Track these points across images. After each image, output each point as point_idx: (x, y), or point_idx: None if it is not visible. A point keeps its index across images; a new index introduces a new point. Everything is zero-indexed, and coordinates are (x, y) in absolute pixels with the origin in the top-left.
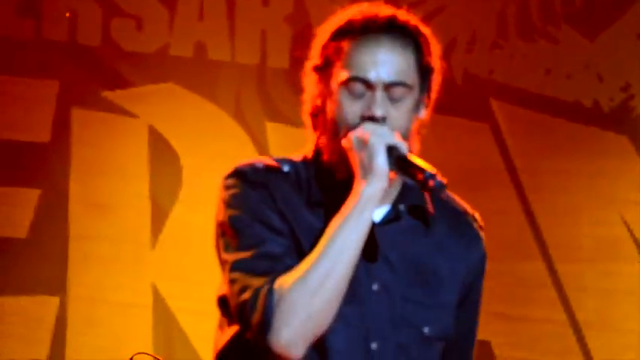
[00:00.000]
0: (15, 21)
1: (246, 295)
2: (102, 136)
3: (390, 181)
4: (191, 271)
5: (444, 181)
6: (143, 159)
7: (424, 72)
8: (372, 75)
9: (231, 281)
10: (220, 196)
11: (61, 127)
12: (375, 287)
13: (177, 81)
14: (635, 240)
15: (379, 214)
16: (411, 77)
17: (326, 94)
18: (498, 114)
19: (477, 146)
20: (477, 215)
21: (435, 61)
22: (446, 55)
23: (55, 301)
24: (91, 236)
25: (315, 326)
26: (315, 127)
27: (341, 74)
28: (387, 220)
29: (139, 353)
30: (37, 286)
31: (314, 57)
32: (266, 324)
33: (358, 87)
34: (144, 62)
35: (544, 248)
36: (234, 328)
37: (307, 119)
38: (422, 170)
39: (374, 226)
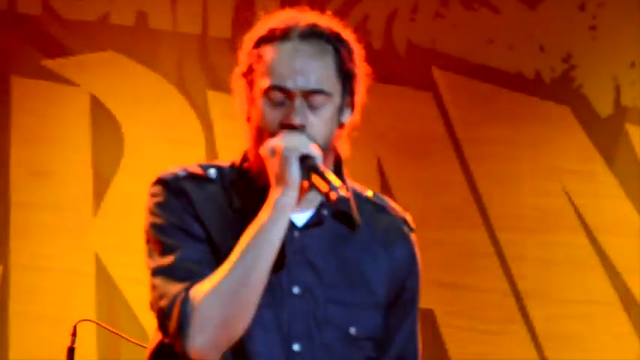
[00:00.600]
0: None
1: (164, 303)
2: (43, 105)
3: (303, 189)
4: (133, 240)
5: (347, 195)
6: (85, 127)
7: (345, 78)
8: (290, 84)
9: (152, 287)
10: (146, 204)
11: (1, 95)
12: (296, 291)
13: (118, 49)
14: (575, 209)
15: (302, 218)
16: (331, 84)
17: (251, 100)
18: (440, 83)
19: (420, 114)
20: (407, 217)
21: (359, 66)
22: (388, 25)
23: None
24: (33, 204)
25: (230, 333)
26: (247, 133)
27: (262, 82)
28: (310, 224)
29: (82, 320)
30: None
31: (241, 64)
32: (181, 332)
33: (278, 95)
34: (84, 30)
35: (486, 217)
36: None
37: (244, 124)
38: (327, 182)
39: (296, 231)
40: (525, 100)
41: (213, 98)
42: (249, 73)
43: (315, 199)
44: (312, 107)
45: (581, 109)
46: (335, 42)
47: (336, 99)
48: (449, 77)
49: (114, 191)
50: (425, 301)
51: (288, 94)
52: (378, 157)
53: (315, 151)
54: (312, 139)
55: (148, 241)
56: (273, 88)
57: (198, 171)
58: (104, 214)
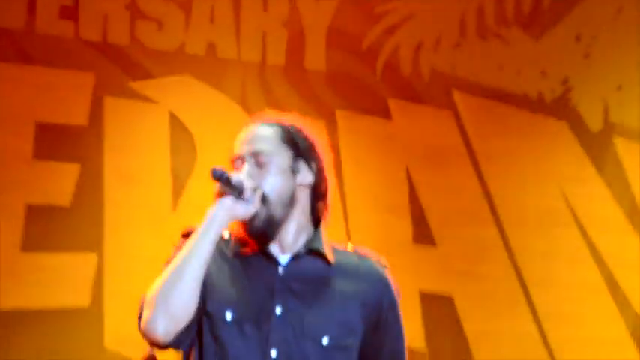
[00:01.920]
0: (58, 23)
1: (142, 297)
2: (130, 120)
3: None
4: None
5: (241, 179)
6: (164, 138)
7: (292, 145)
8: (240, 150)
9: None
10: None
11: (96, 113)
12: (278, 311)
13: (191, 74)
14: (571, 209)
15: (286, 258)
16: (272, 147)
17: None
18: (459, 103)
19: (442, 130)
20: (382, 260)
21: (312, 141)
22: (415, 55)
23: (93, 256)
24: (123, 202)
25: (173, 317)
26: None
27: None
28: (291, 261)
29: None
30: (79, 245)
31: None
32: (140, 318)
33: (238, 162)
34: (164, 58)
35: (496, 215)
36: None
37: None
38: (228, 181)
39: (280, 267)
40: (530, 116)
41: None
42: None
43: (298, 243)
44: (259, 164)
45: (576, 125)
46: (279, 124)
47: (281, 158)
48: (466, 98)
49: (189, 191)
50: (445, 287)
51: (242, 158)
52: (407, 165)
53: (232, 174)
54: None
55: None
56: (234, 158)
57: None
58: (181, 210)
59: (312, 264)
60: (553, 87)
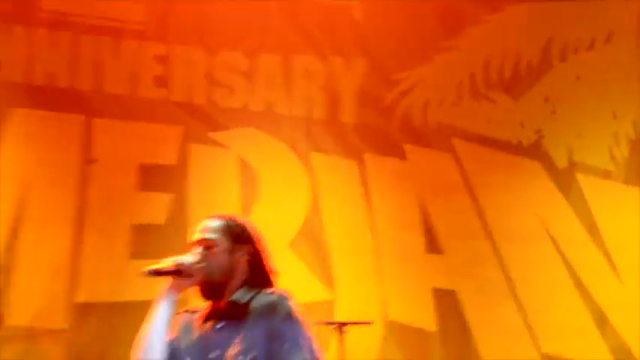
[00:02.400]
0: (154, 89)
1: None
2: (208, 161)
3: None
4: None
5: (172, 269)
6: (235, 176)
7: (233, 236)
8: (195, 238)
9: None
10: None
11: (184, 155)
12: (212, 355)
13: (255, 126)
14: (545, 227)
15: (213, 323)
16: (215, 236)
17: None
18: (458, 147)
19: (445, 167)
20: (284, 292)
21: (242, 226)
22: (424, 111)
23: None
24: None
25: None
26: None
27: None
28: (217, 324)
29: None
30: (171, 254)
31: None
32: None
33: (194, 246)
34: (233, 114)
35: (488, 232)
36: None
37: None
38: (162, 271)
39: (209, 323)
40: (511, 158)
41: (315, 157)
42: None
43: (220, 313)
44: (207, 248)
45: (547, 164)
46: (223, 218)
47: (223, 245)
48: (463, 144)
49: (253, 216)
50: (451, 285)
51: (195, 243)
52: (419, 194)
53: (165, 265)
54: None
55: None
56: (191, 243)
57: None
58: None
59: (231, 318)
60: (529, 135)
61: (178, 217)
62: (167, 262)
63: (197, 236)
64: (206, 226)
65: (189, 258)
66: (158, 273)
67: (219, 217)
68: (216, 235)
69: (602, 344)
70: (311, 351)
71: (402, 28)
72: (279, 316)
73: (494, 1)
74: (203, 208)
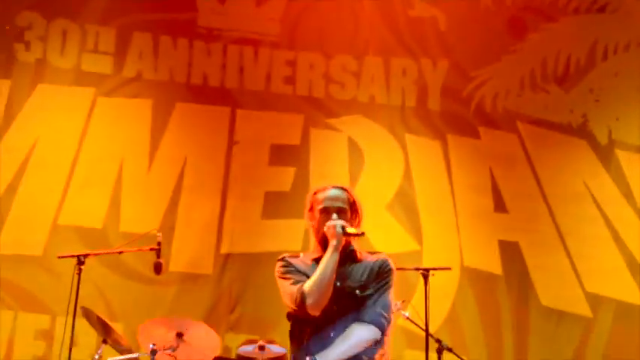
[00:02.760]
0: (283, 86)
1: (295, 294)
2: (325, 142)
3: (342, 238)
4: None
5: (360, 232)
6: (345, 153)
7: (351, 205)
8: (329, 204)
9: (288, 293)
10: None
11: (305, 137)
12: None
13: (362, 114)
14: (590, 193)
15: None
16: (344, 205)
17: (314, 217)
18: (522, 129)
19: (511, 146)
20: (382, 255)
21: (357, 200)
22: (494, 100)
23: (302, 222)
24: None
25: (320, 300)
26: (318, 237)
27: (319, 207)
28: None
29: None
30: (294, 215)
31: (308, 206)
32: (303, 302)
33: (331, 211)
34: (344, 104)
35: (544, 196)
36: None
37: (313, 231)
38: (354, 234)
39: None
40: (563, 137)
41: (408, 138)
42: (311, 207)
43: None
44: (339, 213)
45: (591, 142)
46: (345, 190)
47: (348, 213)
48: (525, 126)
49: (360, 186)
50: (514, 238)
51: (329, 209)
52: (490, 166)
53: (346, 223)
54: (345, 222)
55: (280, 278)
56: (324, 208)
57: (297, 254)
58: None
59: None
60: (577, 119)
61: (301, 186)
62: (345, 224)
63: (336, 204)
64: (337, 197)
65: (345, 224)
66: (347, 234)
67: (342, 188)
68: (345, 205)
69: (633, 284)
70: (385, 309)
71: (477, 35)
72: (383, 272)
73: (550, 13)
74: (321, 179)
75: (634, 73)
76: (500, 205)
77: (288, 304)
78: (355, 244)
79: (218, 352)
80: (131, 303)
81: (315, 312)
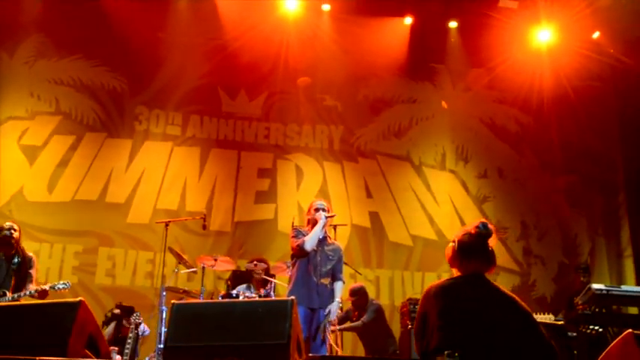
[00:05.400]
0: (263, 139)
1: (300, 242)
2: (283, 166)
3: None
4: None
5: (333, 214)
6: (293, 173)
7: (329, 207)
8: (319, 206)
9: (297, 241)
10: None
11: (274, 164)
12: (318, 258)
13: (302, 152)
14: (414, 192)
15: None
16: (326, 207)
17: (311, 213)
18: (379, 158)
19: (373, 168)
20: (337, 243)
21: (329, 205)
22: (366, 143)
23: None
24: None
25: (311, 246)
26: (308, 223)
27: (314, 208)
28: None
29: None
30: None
31: (308, 208)
32: (302, 246)
33: (320, 209)
34: (293, 148)
35: (391, 190)
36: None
37: (310, 220)
38: (330, 215)
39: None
40: (399, 162)
41: (325, 164)
42: (310, 208)
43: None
44: (323, 211)
45: (412, 163)
46: (325, 201)
47: (328, 210)
48: (382, 157)
49: (300, 192)
50: (376, 209)
51: (318, 209)
52: (364, 177)
53: (327, 213)
54: (327, 213)
55: (293, 237)
56: (317, 208)
57: (302, 227)
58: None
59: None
60: (404, 153)
61: (273, 188)
62: (326, 214)
63: (322, 206)
64: (323, 204)
65: (327, 213)
66: (328, 217)
67: (324, 201)
68: (325, 207)
69: (433, 232)
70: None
71: (359, 113)
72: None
73: (390, 103)
74: (283, 186)
75: (432, 131)
76: (369, 194)
77: (295, 247)
78: (328, 232)
79: (234, 267)
80: (192, 245)
81: (307, 251)
